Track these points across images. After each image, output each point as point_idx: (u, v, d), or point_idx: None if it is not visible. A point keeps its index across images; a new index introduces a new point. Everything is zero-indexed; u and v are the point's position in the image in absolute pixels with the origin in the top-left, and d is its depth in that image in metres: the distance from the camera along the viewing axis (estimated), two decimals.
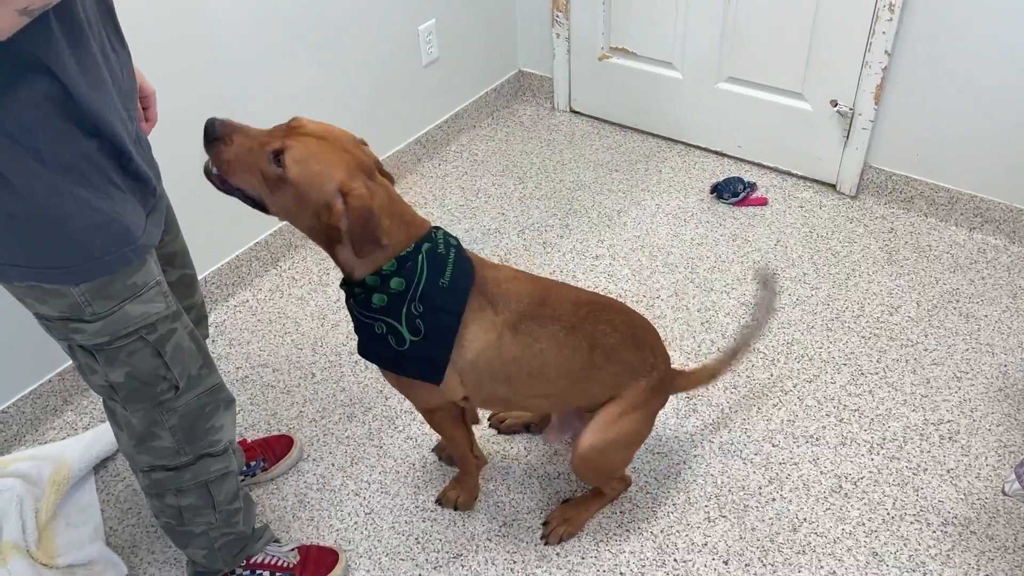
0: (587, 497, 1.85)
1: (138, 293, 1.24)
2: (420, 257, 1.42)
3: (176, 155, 2.27)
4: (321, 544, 1.81)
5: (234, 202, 2.24)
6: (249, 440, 2.00)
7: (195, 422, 1.43)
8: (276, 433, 2.09)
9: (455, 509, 1.89)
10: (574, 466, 1.68)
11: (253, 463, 1.95)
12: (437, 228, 1.49)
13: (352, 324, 1.53)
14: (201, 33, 2.14)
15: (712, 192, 2.83)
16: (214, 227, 2.40)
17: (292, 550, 1.74)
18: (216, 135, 1.32)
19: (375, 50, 2.67)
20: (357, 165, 1.36)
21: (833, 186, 2.83)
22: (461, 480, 1.86)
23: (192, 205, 2.30)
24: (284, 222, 1.80)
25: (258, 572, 1.69)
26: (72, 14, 1.07)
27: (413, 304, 1.42)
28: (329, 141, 1.34)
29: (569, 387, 1.59)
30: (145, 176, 1.24)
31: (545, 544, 1.81)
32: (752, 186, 2.82)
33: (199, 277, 2.41)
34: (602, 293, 2.46)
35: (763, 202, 2.79)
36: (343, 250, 1.39)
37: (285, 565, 1.71)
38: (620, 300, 1.66)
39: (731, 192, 2.79)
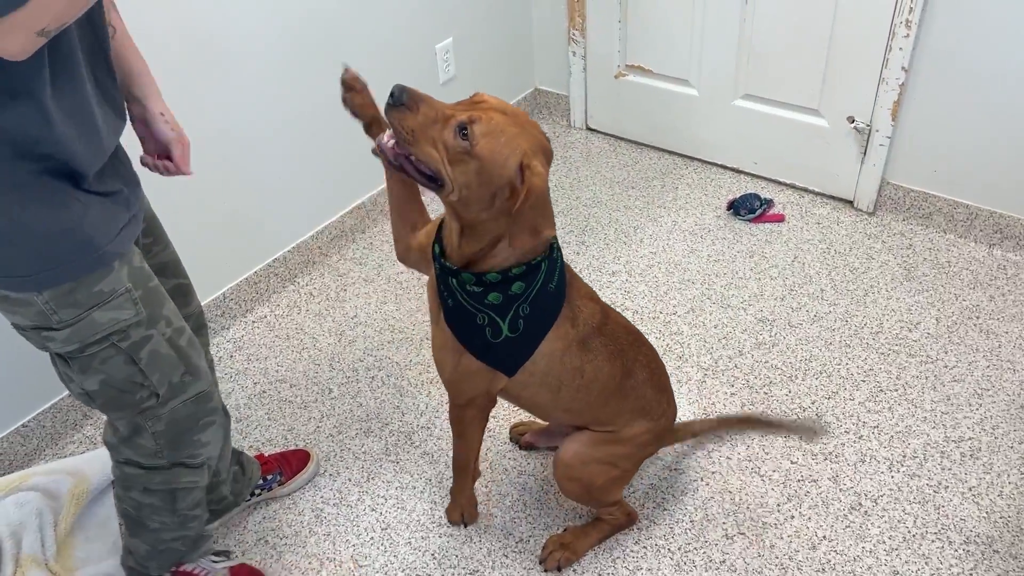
0: (588, 524, 1.84)
1: (105, 300, 1.24)
2: (544, 266, 1.41)
3: (197, 173, 2.29)
4: (253, 566, 1.81)
5: (251, 219, 2.25)
6: (266, 454, 2.01)
7: (183, 432, 1.43)
8: (293, 448, 2.09)
9: (464, 526, 1.89)
10: (556, 474, 1.69)
11: (270, 476, 1.95)
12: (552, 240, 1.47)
13: (439, 299, 1.47)
14: (215, 54, 2.17)
15: (729, 209, 2.83)
16: (233, 243, 2.42)
17: (225, 569, 1.74)
18: (403, 102, 1.24)
19: (393, 68, 2.70)
20: (540, 145, 1.32)
21: (851, 202, 2.82)
22: (456, 497, 1.86)
23: (210, 222, 2.33)
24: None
25: None
26: (60, 45, 1.08)
27: (523, 306, 1.41)
28: (513, 117, 1.29)
29: (599, 405, 1.60)
30: (114, 190, 1.24)
31: (544, 569, 1.80)
32: (769, 203, 2.82)
33: (219, 292, 2.44)
34: (618, 310, 2.46)
35: (780, 219, 2.78)
36: (505, 242, 1.36)
37: None
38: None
39: (748, 209, 2.78)
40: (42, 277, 1.18)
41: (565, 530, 1.84)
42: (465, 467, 1.78)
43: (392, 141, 1.29)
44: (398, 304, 2.56)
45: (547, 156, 1.34)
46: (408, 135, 1.25)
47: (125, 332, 1.28)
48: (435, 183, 1.30)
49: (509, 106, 1.31)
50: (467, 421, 1.66)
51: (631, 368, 1.59)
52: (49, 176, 1.14)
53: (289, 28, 2.33)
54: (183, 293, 1.59)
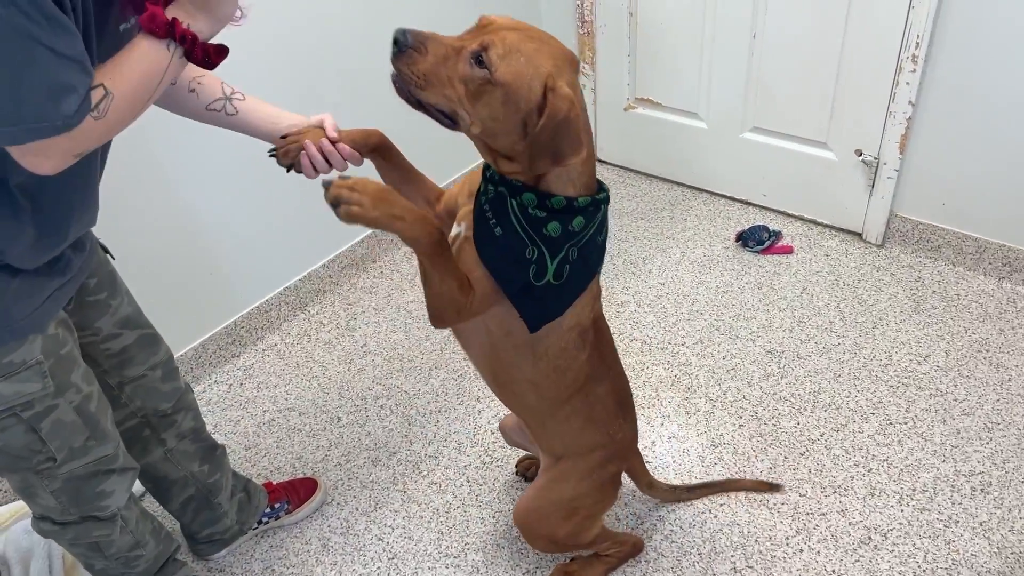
0: (594, 555, 1.81)
1: (15, 372, 1.21)
2: (604, 206, 1.28)
3: (211, 199, 2.33)
4: None
5: (264, 247, 2.28)
6: (274, 483, 2.01)
7: (81, 487, 1.40)
8: (301, 476, 2.10)
9: None
10: (522, 535, 1.66)
11: (277, 505, 1.96)
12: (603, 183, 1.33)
13: (480, 224, 1.28)
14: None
15: (737, 240, 2.84)
16: (244, 272, 2.45)
17: None
18: (409, 45, 1.14)
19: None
20: (564, 58, 1.19)
21: (859, 235, 2.82)
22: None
23: (222, 250, 2.36)
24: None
25: None
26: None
27: (573, 249, 1.25)
28: (527, 32, 1.17)
29: (561, 399, 1.48)
30: (50, 269, 1.23)
31: None
32: (777, 234, 2.83)
33: (231, 320, 2.46)
34: (628, 340, 2.47)
35: (789, 250, 2.79)
36: (554, 175, 1.22)
37: None
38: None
39: (756, 240, 2.79)
40: None
41: (572, 560, 1.83)
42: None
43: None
44: (407, 333, 2.57)
45: (573, 67, 1.21)
46: (420, 80, 1.15)
47: (29, 403, 1.26)
48: (452, 122, 1.20)
49: (520, 22, 1.19)
50: (476, 308, 1.34)
51: (601, 376, 1.49)
52: None
53: (300, 69, 2.37)
54: (149, 343, 1.56)
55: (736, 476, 2.03)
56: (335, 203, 1.14)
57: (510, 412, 1.88)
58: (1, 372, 1.20)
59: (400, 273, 2.84)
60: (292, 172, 1.40)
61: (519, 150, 1.19)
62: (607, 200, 1.29)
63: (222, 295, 2.42)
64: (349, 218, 1.14)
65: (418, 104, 1.19)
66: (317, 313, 2.67)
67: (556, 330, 1.36)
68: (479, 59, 1.13)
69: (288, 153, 1.39)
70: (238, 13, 1.15)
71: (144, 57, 1.04)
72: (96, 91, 0.99)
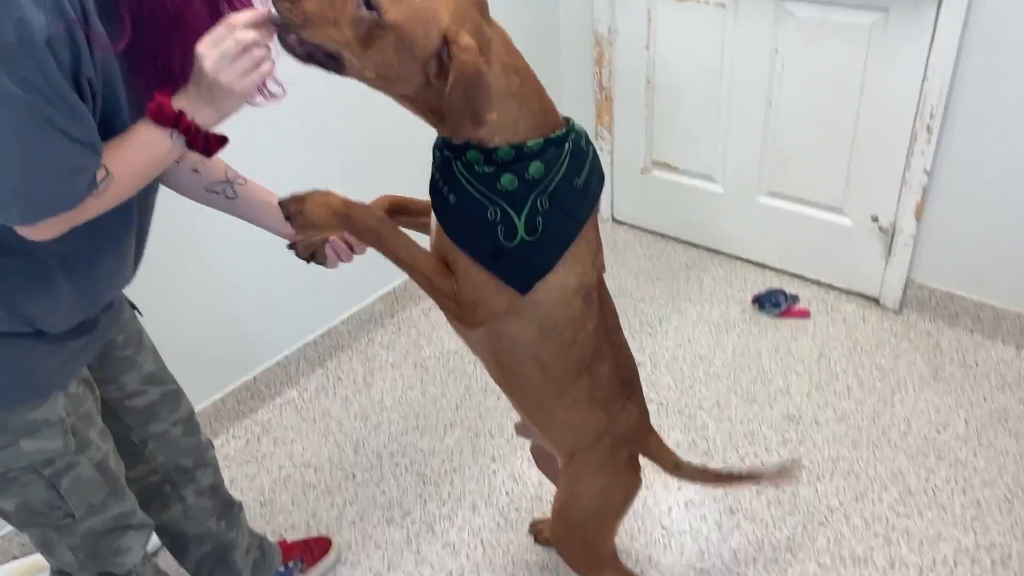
0: None
1: (37, 429, 1.23)
2: (568, 145, 1.18)
3: (233, 255, 2.37)
4: None
5: (285, 303, 2.29)
6: (289, 540, 2.01)
7: (99, 543, 1.40)
8: (315, 535, 2.09)
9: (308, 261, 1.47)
10: (554, 534, 1.60)
11: (291, 564, 1.95)
12: (570, 120, 1.24)
13: (436, 197, 1.22)
14: (254, 157, 2.27)
15: (754, 303, 2.85)
16: (265, 326, 2.48)
17: None
18: None
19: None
20: (467, 1, 1.09)
21: (876, 300, 2.83)
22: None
23: (243, 305, 2.39)
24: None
25: None
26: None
27: (542, 198, 1.16)
28: None
29: (568, 379, 1.38)
30: (77, 329, 1.25)
31: None
32: (794, 298, 2.84)
33: (250, 375, 2.48)
34: None
35: (805, 314, 2.80)
36: (492, 113, 1.14)
37: None
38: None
39: (773, 303, 2.81)
40: None
41: None
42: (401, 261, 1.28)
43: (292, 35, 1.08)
44: (423, 390, 2.58)
45: (480, 8, 1.12)
46: (302, 22, 1.06)
47: (51, 460, 1.26)
48: (340, 65, 1.10)
49: None
50: (481, 319, 1.29)
51: (605, 352, 1.39)
52: (8, 324, 1.16)
53: (326, 140, 2.43)
54: (173, 399, 1.57)
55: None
56: (288, 217, 1.21)
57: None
58: (24, 429, 1.22)
59: (417, 329, 2.86)
60: (313, 263, 1.41)
61: (426, 94, 1.11)
62: (569, 137, 1.19)
63: (242, 350, 2.45)
64: (303, 228, 1.20)
65: (306, 55, 1.10)
66: (335, 368, 2.69)
67: (560, 295, 1.26)
68: (367, 0, 1.04)
69: (309, 247, 1.39)
70: (279, 90, 1.19)
71: (148, 145, 1.09)
72: (99, 171, 1.04)
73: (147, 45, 1.05)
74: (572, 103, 3.26)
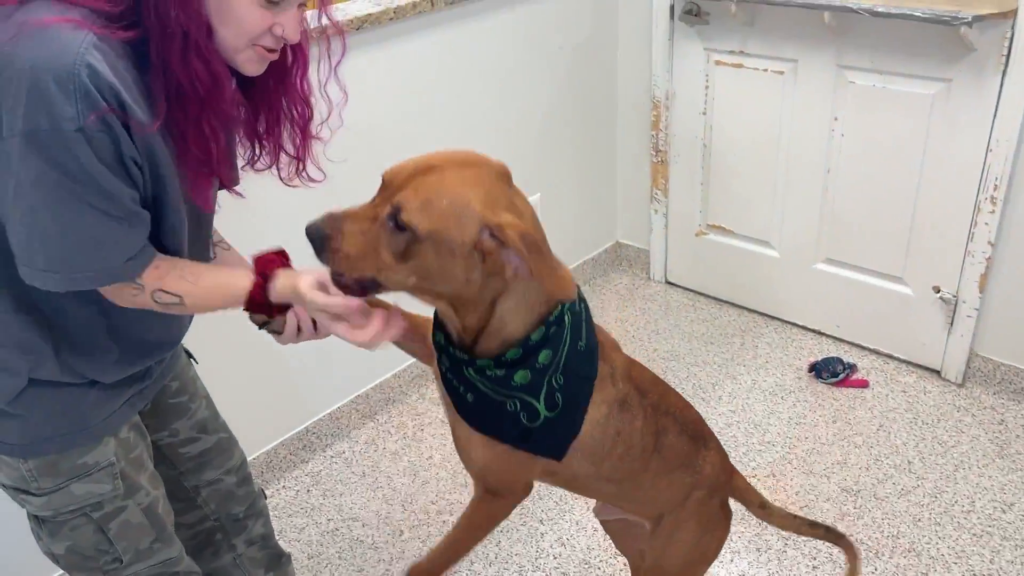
0: None
1: (88, 473, 1.25)
2: (567, 318, 1.19)
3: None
4: None
5: (337, 354, 2.30)
6: None
7: None
8: None
9: None
10: None
11: None
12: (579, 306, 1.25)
13: (453, 395, 1.24)
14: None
15: (810, 371, 2.80)
16: (317, 379, 2.51)
17: None
18: (325, 234, 1.09)
19: None
20: (492, 176, 1.11)
21: (938, 372, 2.76)
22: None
23: (294, 357, 2.42)
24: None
25: None
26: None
27: (555, 376, 1.19)
28: (440, 170, 1.08)
29: (640, 470, 1.40)
30: (130, 378, 1.30)
31: None
32: (852, 367, 2.78)
33: (303, 426, 2.51)
34: None
35: (864, 384, 2.74)
36: (508, 301, 1.14)
37: None
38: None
39: (830, 372, 2.75)
40: (30, 448, 1.22)
41: None
42: (454, 560, 1.46)
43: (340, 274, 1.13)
44: None
45: (506, 180, 1.13)
46: (347, 264, 1.10)
47: (99, 504, 1.29)
48: (381, 287, 1.13)
49: (431, 156, 1.10)
50: (498, 514, 1.41)
51: (664, 424, 1.39)
52: (60, 375, 1.21)
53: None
54: (226, 447, 1.59)
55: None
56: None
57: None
58: (75, 473, 1.25)
59: None
60: (264, 331, 1.36)
61: (469, 294, 1.12)
62: (566, 308, 1.19)
63: (295, 401, 2.48)
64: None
65: (359, 288, 1.14)
66: (385, 422, 2.70)
67: (596, 428, 1.28)
68: (397, 222, 1.06)
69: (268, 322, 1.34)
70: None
71: (235, 295, 1.22)
72: (169, 296, 1.16)
73: (180, 123, 1.11)
74: (628, 165, 3.29)
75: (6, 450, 1.23)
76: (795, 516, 1.69)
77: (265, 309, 1.24)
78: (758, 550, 2.14)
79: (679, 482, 1.46)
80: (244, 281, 1.22)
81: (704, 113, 3.00)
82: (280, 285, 1.22)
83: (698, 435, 1.49)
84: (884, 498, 2.28)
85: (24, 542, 1.44)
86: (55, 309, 1.17)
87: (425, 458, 2.54)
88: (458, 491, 2.40)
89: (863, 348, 2.91)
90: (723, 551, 2.12)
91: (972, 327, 2.61)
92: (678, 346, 2.98)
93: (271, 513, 2.34)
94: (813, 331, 3.03)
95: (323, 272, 1.17)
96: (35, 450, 1.22)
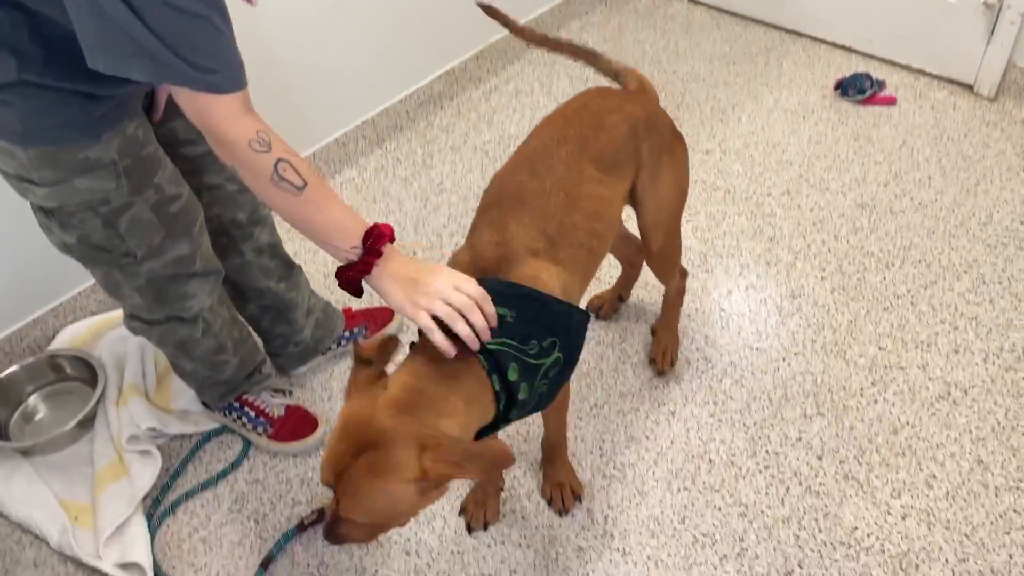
0: (663, 319, 1.91)
1: (90, 169, 1.26)
2: (497, 380, 1.19)
3: (289, 30, 2.28)
4: (310, 411, 1.87)
5: (341, 80, 2.22)
6: (353, 309, 2.06)
7: (163, 288, 1.46)
8: (379, 306, 2.14)
9: (485, 528, 1.68)
10: (650, 246, 1.62)
11: (356, 330, 2.01)
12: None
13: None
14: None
15: (836, 89, 2.67)
16: (321, 105, 2.43)
17: (281, 405, 1.83)
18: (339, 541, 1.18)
19: None
20: (398, 439, 1.08)
21: (970, 87, 2.62)
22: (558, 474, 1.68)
23: (298, 82, 2.33)
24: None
25: (244, 410, 1.80)
26: None
27: (539, 372, 1.23)
28: (355, 454, 1.08)
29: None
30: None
31: (659, 374, 1.90)
32: (880, 84, 2.65)
33: (308, 152, 2.47)
34: (710, 190, 2.39)
35: (891, 101, 2.61)
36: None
37: (268, 413, 1.81)
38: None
39: (857, 89, 2.62)
40: (27, 137, 1.20)
41: (653, 334, 1.95)
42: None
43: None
44: (483, 173, 2.54)
45: (407, 411, 1.11)
46: (367, 535, 1.19)
47: (106, 200, 1.30)
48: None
49: (340, 429, 1.10)
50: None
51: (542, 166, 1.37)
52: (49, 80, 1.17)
53: None
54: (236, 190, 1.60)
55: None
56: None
57: None
58: (75, 168, 1.25)
59: (477, 112, 2.77)
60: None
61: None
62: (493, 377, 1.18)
63: (300, 127, 2.41)
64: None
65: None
66: (394, 149, 2.65)
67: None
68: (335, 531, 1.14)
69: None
70: None
71: (337, 230, 1.14)
72: (294, 175, 1.13)
73: None
74: None
75: (7, 135, 1.21)
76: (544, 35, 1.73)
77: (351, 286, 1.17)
78: (767, 263, 2.15)
79: (628, 163, 1.45)
80: (355, 239, 1.14)
81: None
82: (380, 289, 1.16)
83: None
84: (899, 212, 2.25)
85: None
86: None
87: (436, 184, 2.52)
88: (469, 215, 2.40)
89: (894, 64, 2.75)
90: (733, 265, 2.15)
91: (1014, 35, 2.44)
92: (698, 67, 2.83)
93: (284, 237, 2.37)
94: (843, 47, 2.85)
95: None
96: (32, 139, 1.21)
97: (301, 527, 1.68)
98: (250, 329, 1.79)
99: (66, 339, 2.01)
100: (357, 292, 1.18)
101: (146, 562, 1.61)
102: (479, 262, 1.28)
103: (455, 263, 1.31)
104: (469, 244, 1.33)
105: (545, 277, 1.26)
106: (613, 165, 1.42)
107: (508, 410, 1.21)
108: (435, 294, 1.12)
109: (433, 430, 1.10)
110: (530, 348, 1.21)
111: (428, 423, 1.11)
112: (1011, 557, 1.55)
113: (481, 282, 1.19)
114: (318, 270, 2.27)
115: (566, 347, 1.25)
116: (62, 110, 1.20)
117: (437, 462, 1.06)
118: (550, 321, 1.23)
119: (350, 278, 1.16)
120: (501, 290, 1.21)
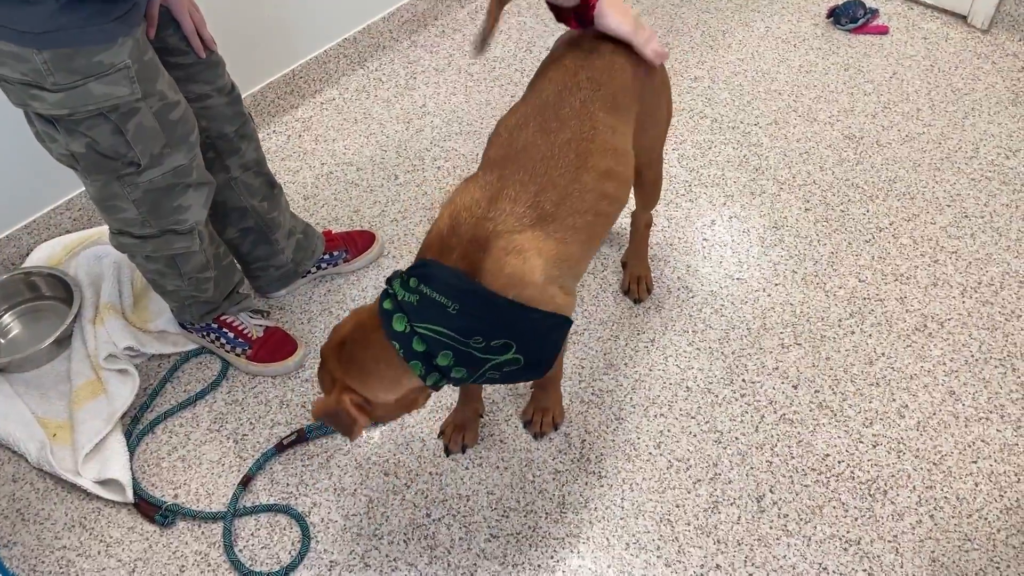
0: (633, 248, 1.91)
1: (104, 72, 1.25)
2: (418, 330, 1.20)
3: None
4: (289, 332, 1.87)
5: None
6: (333, 231, 2.04)
7: (160, 199, 1.46)
8: (359, 228, 2.12)
9: (463, 451, 1.71)
10: (643, 182, 1.66)
11: (336, 253, 1.99)
12: (385, 305, 1.23)
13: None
14: None
15: (829, 17, 2.62)
16: (300, 20, 2.35)
17: (260, 326, 1.83)
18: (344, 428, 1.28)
19: None
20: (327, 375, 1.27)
21: (964, 18, 2.58)
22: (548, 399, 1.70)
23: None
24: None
25: (222, 331, 1.81)
26: None
27: (478, 355, 1.22)
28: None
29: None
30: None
31: (636, 302, 1.91)
32: (873, 12, 2.60)
33: (288, 68, 2.40)
34: (697, 117, 2.35)
35: (884, 30, 2.57)
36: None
37: (247, 334, 1.81)
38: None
39: (850, 17, 2.57)
40: (46, 37, 1.18)
41: (624, 264, 1.96)
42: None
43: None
44: (467, 96, 2.48)
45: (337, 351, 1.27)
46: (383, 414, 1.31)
47: (116, 106, 1.29)
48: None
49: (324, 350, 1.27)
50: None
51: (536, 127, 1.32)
52: None
53: None
54: (214, 64, 1.57)
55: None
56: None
57: None
58: (91, 71, 1.24)
59: (462, 33, 2.70)
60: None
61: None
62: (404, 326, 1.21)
63: (280, 41, 2.34)
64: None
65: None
66: (376, 70, 2.59)
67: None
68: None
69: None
70: None
71: None
72: None
73: None
74: None
75: (20, 39, 1.18)
76: None
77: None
78: (752, 194, 2.14)
79: (633, 105, 1.43)
80: None
81: None
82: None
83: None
84: (886, 144, 2.24)
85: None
86: None
87: (419, 106, 2.47)
88: (452, 139, 2.36)
89: None
90: (717, 195, 2.14)
91: None
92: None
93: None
94: None
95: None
96: (51, 40, 1.19)
97: (280, 447, 1.69)
98: (226, 247, 1.77)
99: (40, 257, 1.98)
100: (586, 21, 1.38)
101: (125, 478, 1.62)
102: (456, 230, 1.22)
103: (438, 223, 1.26)
104: (452, 204, 1.26)
105: (516, 263, 1.20)
106: (624, 109, 1.39)
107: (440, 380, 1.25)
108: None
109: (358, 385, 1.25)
110: (474, 342, 1.20)
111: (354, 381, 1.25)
112: (976, 485, 1.59)
113: (431, 269, 1.20)
114: (297, 191, 2.24)
115: (528, 350, 1.24)
116: (85, 7, 1.19)
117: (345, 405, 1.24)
118: (498, 321, 1.20)
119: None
120: (450, 281, 1.19)
